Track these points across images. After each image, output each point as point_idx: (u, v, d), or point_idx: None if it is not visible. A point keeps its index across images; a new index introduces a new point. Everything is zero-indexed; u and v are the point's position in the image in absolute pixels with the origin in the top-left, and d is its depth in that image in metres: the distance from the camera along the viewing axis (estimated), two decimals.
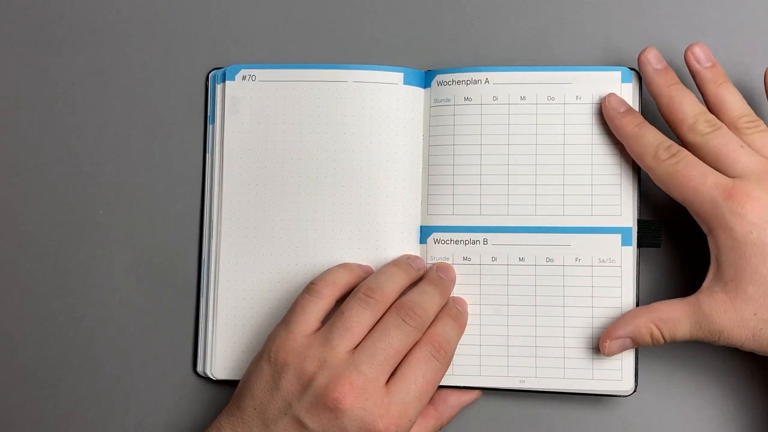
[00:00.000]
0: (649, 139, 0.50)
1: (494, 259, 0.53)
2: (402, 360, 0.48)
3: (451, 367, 0.52)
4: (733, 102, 0.50)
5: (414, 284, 0.52)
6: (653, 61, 0.51)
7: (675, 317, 0.48)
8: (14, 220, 0.57)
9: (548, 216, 0.53)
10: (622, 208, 0.52)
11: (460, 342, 0.52)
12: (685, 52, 0.51)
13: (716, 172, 0.48)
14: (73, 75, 0.58)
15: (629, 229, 0.52)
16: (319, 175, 0.54)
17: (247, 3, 0.58)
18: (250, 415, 0.48)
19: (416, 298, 0.50)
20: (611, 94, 0.52)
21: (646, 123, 0.51)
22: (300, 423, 0.47)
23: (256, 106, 0.55)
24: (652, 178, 0.50)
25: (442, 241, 0.54)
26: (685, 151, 0.49)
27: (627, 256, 0.52)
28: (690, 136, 0.49)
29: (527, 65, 0.54)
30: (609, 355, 0.50)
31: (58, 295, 0.57)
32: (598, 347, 0.51)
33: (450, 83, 0.54)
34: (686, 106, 0.50)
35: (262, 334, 0.53)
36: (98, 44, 0.58)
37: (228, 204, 0.55)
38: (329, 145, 0.54)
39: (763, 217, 0.46)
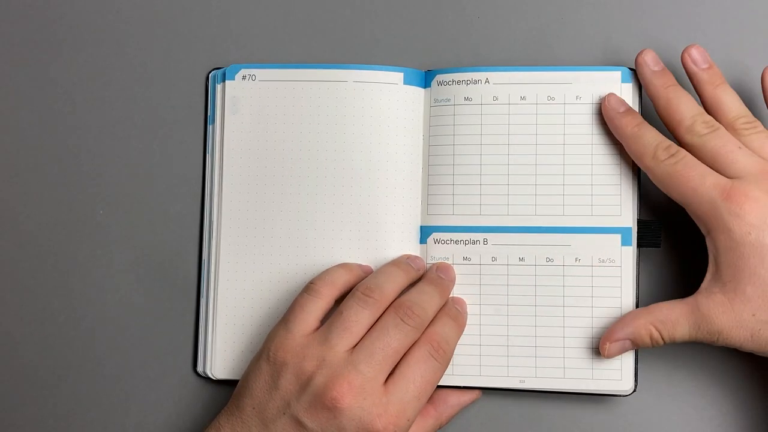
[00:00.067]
0: (649, 140, 0.50)
1: (494, 259, 0.53)
2: (401, 359, 0.48)
3: (450, 366, 0.52)
4: (731, 103, 0.50)
5: (414, 284, 0.52)
6: (650, 62, 0.51)
7: (674, 318, 0.48)
8: (14, 220, 0.57)
9: (548, 216, 0.53)
10: (622, 208, 0.52)
11: (459, 342, 0.52)
12: (682, 54, 0.51)
13: (715, 172, 0.48)
14: (73, 75, 0.58)
15: (629, 229, 0.52)
16: (319, 175, 0.54)
17: (247, 3, 0.58)
18: (249, 415, 0.48)
19: (415, 297, 0.50)
20: (611, 94, 0.52)
21: (646, 123, 0.51)
22: (299, 422, 0.47)
23: (256, 105, 0.55)
24: (651, 178, 0.50)
25: (442, 241, 0.54)
26: (684, 152, 0.49)
27: (627, 256, 0.52)
28: (688, 138, 0.49)
29: (527, 65, 0.54)
30: (609, 357, 0.50)
31: (58, 295, 0.57)
32: (598, 348, 0.51)
33: (450, 83, 0.54)
34: (684, 108, 0.50)
35: (262, 334, 0.54)
36: (98, 44, 0.58)
37: (228, 204, 0.55)
38: (329, 145, 0.54)
39: (762, 218, 0.46)
